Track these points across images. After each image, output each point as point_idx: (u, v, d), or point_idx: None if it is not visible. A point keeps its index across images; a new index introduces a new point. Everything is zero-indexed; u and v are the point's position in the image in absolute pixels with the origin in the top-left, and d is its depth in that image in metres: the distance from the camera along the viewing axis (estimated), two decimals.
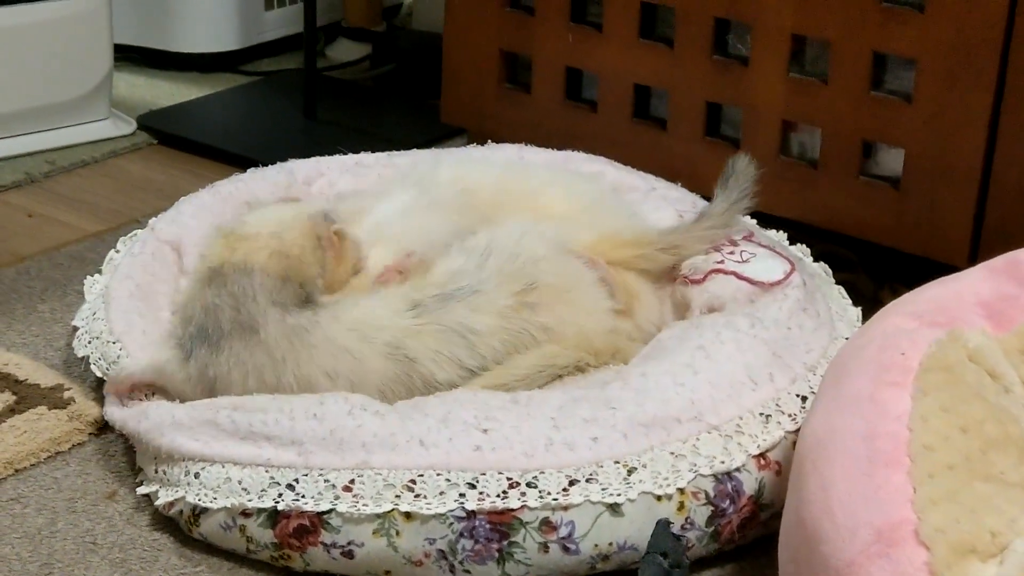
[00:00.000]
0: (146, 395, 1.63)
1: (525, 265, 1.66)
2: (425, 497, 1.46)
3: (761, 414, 1.56)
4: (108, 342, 1.72)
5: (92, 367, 1.73)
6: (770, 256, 1.76)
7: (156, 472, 1.57)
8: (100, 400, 1.72)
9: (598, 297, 1.70)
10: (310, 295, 1.62)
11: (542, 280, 1.66)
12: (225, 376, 1.58)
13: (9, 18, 2.38)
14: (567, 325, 1.66)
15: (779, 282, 1.72)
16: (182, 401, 1.60)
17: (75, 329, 1.81)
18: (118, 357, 1.69)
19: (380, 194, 1.85)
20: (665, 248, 1.75)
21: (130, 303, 1.76)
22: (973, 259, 1.83)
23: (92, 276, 1.92)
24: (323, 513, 1.47)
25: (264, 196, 1.98)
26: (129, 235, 1.97)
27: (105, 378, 1.70)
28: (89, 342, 1.75)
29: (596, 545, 1.47)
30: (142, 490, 1.58)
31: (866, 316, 1.66)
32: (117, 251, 1.94)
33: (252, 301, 1.58)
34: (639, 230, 1.79)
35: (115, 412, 1.64)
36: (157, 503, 1.55)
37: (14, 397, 1.73)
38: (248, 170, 2.05)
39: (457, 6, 2.25)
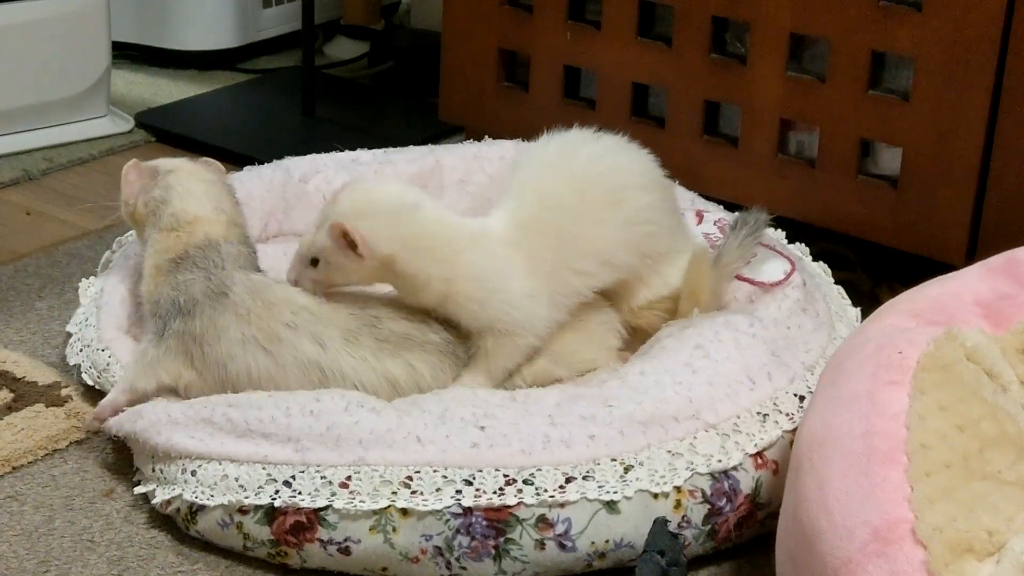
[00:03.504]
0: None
1: None
2: (422, 494, 1.45)
3: (759, 413, 1.56)
4: (97, 349, 1.72)
5: (84, 375, 1.73)
6: (771, 256, 1.76)
7: (153, 471, 1.56)
8: (97, 398, 1.72)
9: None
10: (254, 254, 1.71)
11: None
12: (199, 338, 1.61)
13: (7, 16, 2.37)
14: None
15: (780, 282, 1.72)
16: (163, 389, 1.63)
17: (69, 335, 1.81)
18: (107, 364, 1.69)
19: None
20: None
21: (121, 308, 1.76)
22: (971, 258, 1.83)
23: (87, 279, 1.91)
24: (320, 510, 1.47)
25: (259, 195, 1.98)
26: (126, 235, 1.96)
27: (97, 386, 1.70)
28: (81, 350, 1.75)
29: (592, 543, 1.47)
30: (139, 489, 1.58)
31: (864, 315, 1.66)
32: (113, 251, 1.93)
33: (221, 270, 1.64)
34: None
35: (110, 420, 1.64)
36: (154, 501, 1.55)
37: (11, 395, 1.73)
38: (244, 168, 2.05)
39: (455, 4, 2.25)
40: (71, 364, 1.76)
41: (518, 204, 1.66)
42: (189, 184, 1.71)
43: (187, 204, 1.69)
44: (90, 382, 1.71)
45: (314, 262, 1.62)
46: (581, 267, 1.63)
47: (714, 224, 1.84)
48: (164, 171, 1.72)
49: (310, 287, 1.63)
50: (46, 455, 1.66)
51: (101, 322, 1.75)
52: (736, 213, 1.75)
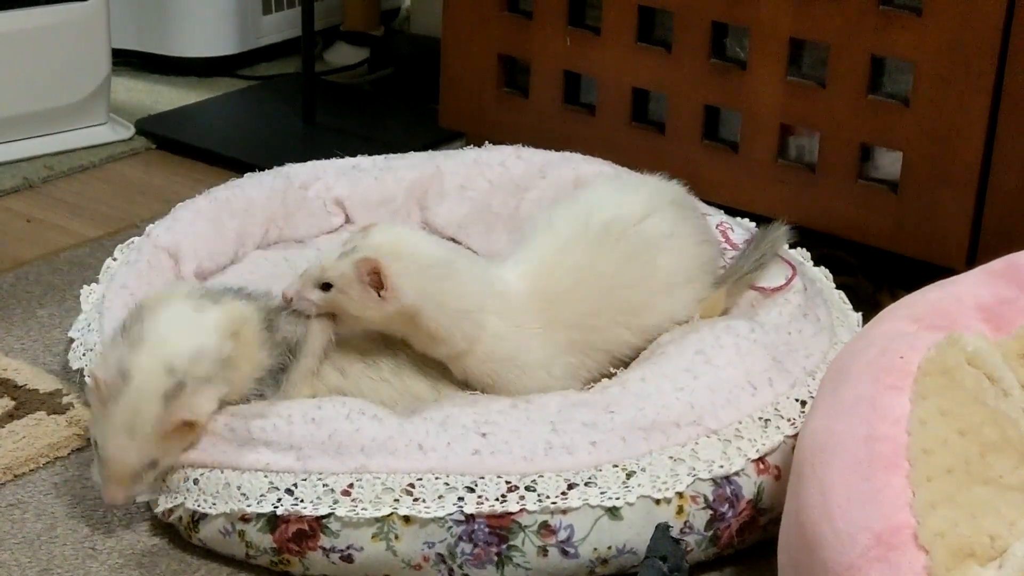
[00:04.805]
0: None
1: None
2: (424, 501, 1.45)
3: (760, 418, 1.56)
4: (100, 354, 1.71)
5: (87, 380, 1.72)
6: (773, 261, 1.76)
7: (155, 479, 1.56)
8: None
9: None
10: None
11: None
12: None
13: (8, 23, 2.38)
14: None
15: (781, 288, 1.72)
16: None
17: (71, 341, 1.81)
18: None
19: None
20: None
21: (123, 313, 1.75)
22: (971, 262, 1.83)
23: (89, 285, 1.91)
24: (322, 517, 1.47)
25: (260, 201, 1.98)
26: (127, 242, 1.96)
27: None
28: (83, 355, 1.75)
29: (595, 549, 1.47)
30: (142, 498, 1.58)
31: (865, 320, 1.66)
32: (114, 259, 1.93)
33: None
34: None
35: None
36: (156, 510, 1.55)
37: (13, 402, 1.73)
38: (245, 175, 2.05)
39: (455, 10, 2.25)
40: (73, 369, 1.76)
41: (540, 272, 1.62)
42: None
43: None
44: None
45: (325, 287, 1.56)
46: (605, 348, 1.63)
47: (716, 228, 1.84)
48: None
49: (308, 309, 1.57)
50: (47, 463, 1.66)
51: (104, 327, 1.74)
52: (755, 228, 1.75)
